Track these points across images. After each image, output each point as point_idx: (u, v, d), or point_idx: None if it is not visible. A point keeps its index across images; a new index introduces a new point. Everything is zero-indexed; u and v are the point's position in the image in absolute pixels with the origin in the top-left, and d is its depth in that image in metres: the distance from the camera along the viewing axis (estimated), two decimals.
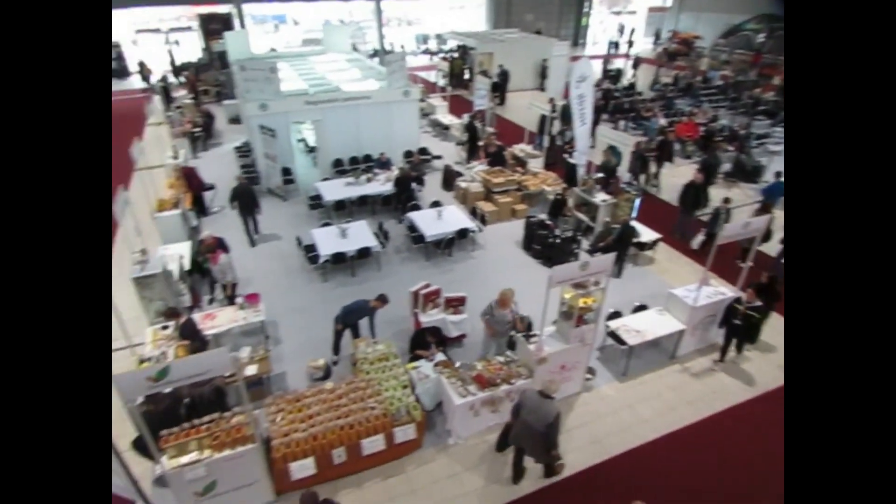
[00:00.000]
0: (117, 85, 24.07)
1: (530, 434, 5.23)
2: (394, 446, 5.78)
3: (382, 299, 7.17)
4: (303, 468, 5.33)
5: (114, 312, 6.74)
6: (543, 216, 10.44)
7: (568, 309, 6.46)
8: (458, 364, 6.61)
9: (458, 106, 18.61)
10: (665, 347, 7.67)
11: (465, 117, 15.21)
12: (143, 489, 5.02)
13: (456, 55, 24.06)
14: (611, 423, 6.59)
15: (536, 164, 13.38)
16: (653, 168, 12.96)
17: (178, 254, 8.56)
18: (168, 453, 4.93)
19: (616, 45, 31.61)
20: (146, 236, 8.41)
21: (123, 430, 5.78)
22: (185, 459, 4.91)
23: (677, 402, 6.91)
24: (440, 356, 6.88)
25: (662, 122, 15.76)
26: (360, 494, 5.62)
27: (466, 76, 22.64)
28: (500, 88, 20.02)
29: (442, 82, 22.82)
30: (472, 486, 5.75)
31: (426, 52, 30.58)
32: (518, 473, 5.73)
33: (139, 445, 5.56)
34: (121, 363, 6.87)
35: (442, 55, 26.40)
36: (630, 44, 32.45)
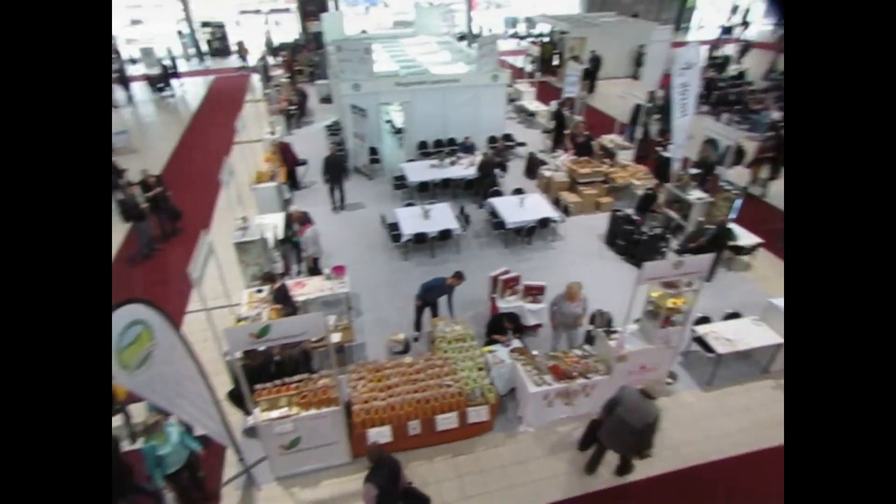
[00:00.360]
0: (219, 63, 25.82)
1: (625, 432, 5.06)
2: (466, 426, 5.88)
3: (459, 276, 7.25)
4: (379, 435, 5.57)
5: (217, 274, 7.36)
6: (630, 211, 10.01)
7: (654, 308, 6.20)
8: (535, 352, 6.57)
9: (545, 93, 18.16)
10: (757, 360, 7.14)
11: (553, 104, 14.81)
12: (235, 437, 5.51)
13: (547, 39, 23.38)
14: (690, 431, 6.28)
15: (626, 157, 12.79)
16: (764, 173, 11.61)
17: (272, 224, 9.14)
18: (260, 406, 5.34)
19: (728, 29, 28.71)
20: (245, 206, 9.04)
21: (220, 381, 6.33)
22: (275, 414, 5.30)
23: (768, 420, 6.42)
24: (516, 343, 6.87)
25: (775, 115, 14.35)
26: (430, 467, 5.80)
27: (555, 62, 21.97)
28: (590, 76, 19.25)
29: (529, 68, 22.32)
30: (540, 475, 5.74)
31: (514, 35, 29.98)
32: (592, 466, 5.65)
33: (234, 397, 6.07)
34: (220, 320, 7.50)
35: (531, 39, 25.75)
36: (745, 25, 29.17)
